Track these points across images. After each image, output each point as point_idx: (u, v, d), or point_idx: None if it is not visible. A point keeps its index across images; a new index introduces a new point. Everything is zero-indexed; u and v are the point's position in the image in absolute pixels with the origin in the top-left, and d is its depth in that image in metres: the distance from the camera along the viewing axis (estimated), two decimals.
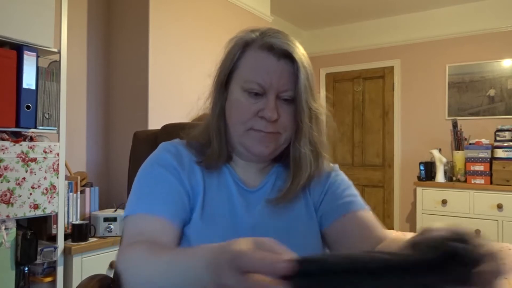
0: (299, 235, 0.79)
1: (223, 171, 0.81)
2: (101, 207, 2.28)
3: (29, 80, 1.74)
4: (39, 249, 1.76)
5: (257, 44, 0.75)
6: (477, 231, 3.30)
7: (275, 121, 0.74)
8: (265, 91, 0.74)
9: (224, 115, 0.79)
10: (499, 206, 3.22)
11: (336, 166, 0.89)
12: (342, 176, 0.88)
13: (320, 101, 0.79)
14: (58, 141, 1.86)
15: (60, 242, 1.86)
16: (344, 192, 0.83)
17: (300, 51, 0.76)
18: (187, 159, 0.80)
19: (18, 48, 1.72)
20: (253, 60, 0.75)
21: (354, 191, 0.85)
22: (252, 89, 0.73)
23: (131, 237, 0.69)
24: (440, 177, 3.59)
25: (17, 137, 1.72)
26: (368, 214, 0.81)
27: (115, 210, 2.18)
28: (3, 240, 1.63)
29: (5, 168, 1.64)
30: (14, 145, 1.68)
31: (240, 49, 0.76)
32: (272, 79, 0.73)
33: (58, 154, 1.84)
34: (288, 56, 0.74)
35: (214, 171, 0.80)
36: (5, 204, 1.64)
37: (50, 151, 1.81)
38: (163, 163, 0.77)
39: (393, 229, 4.07)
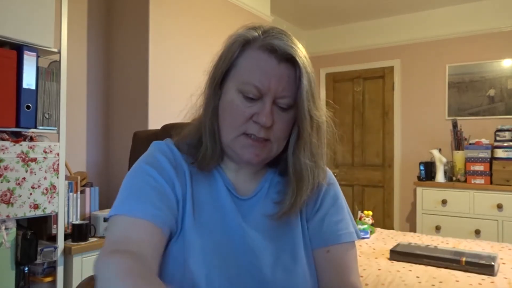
0: (291, 249, 0.76)
1: (214, 175, 0.77)
2: (101, 207, 2.28)
3: (29, 80, 1.74)
4: (39, 249, 1.76)
5: (258, 44, 0.71)
6: (477, 231, 3.31)
7: (268, 128, 0.70)
8: (262, 95, 0.70)
9: (218, 115, 0.74)
10: (499, 206, 3.22)
11: (329, 173, 0.84)
12: (334, 190, 0.83)
13: (322, 108, 0.75)
14: (58, 141, 1.86)
15: (60, 242, 1.86)
16: (333, 216, 0.79)
17: (303, 55, 0.71)
18: (179, 161, 0.76)
19: (18, 48, 1.72)
20: (252, 61, 0.71)
21: (342, 214, 0.81)
22: (248, 91, 0.70)
23: (115, 242, 0.64)
24: (440, 177, 3.59)
25: (17, 137, 1.72)
26: (348, 254, 0.78)
27: None
28: (3, 240, 1.63)
29: (5, 168, 1.64)
30: (14, 145, 1.68)
31: (240, 47, 0.72)
32: (271, 83, 0.69)
33: (58, 154, 1.84)
34: (290, 60, 0.70)
35: (205, 174, 0.76)
36: (5, 204, 1.64)
37: (50, 151, 1.81)
38: (156, 165, 0.73)
39: (393, 229, 4.07)
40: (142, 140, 1.20)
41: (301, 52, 0.71)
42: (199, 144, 0.76)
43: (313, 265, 0.77)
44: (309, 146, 0.73)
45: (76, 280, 1.87)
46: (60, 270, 1.84)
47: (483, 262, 1.71)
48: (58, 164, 1.83)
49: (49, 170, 1.80)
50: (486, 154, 3.34)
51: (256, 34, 0.72)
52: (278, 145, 0.73)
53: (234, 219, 0.74)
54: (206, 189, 0.76)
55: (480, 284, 1.59)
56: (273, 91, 0.70)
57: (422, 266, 1.81)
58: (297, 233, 0.77)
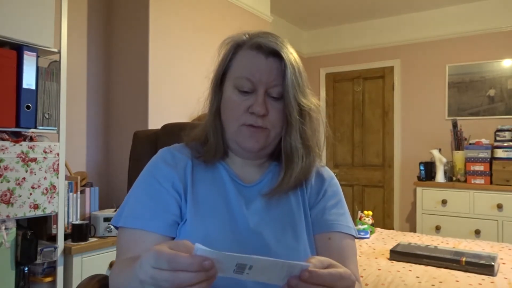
0: (292, 230, 0.80)
1: (217, 168, 0.84)
2: (101, 207, 2.28)
3: (29, 80, 1.74)
4: (39, 249, 1.76)
5: (247, 45, 0.80)
6: (477, 231, 3.30)
7: (264, 116, 0.77)
8: (255, 88, 0.77)
9: (220, 114, 0.83)
10: (499, 206, 3.22)
11: (333, 175, 0.93)
12: (337, 186, 0.90)
13: (312, 99, 0.82)
14: (58, 141, 1.86)
15: (60, 242, 1.86)
16: (335, 208, 0.85)
17: (289, 50, 0.79)
18: (181, 162, 0.83)
19: (18, 48, 1.72)
20: (244, 59, 0.79)
21: (344, 209, 0.87)
22: (243, 85, 0.77)
23: (123, 255, 0.75)
24: (440, 177, 3.59)
25: (17, 137, 1.72)
26: (348, 244, 0.83)
27: (115, 210, 2.18)
28: (3, 240, 1.63)
29: (5, 168, 1.64)
30: (14, 145, 1.68)
31: (232, 50, 0.81)
32: (261, 76, 0.76)
33: (58, 154, 1.84)
34: (276, 54, 0.77)
35: (208, 167, 0.83)
36: (5, 204, 1.64)
37: (50, 151, 1.81)
38: (158, 176, 0.80)
39: (393, 229, 4.07)
40: (142, 140, 1.20)
41: (287, 48, 0.79)
42: (206, 140, 0.84)
43: (314, 247, 0.82)
44: (298, 131, 0.79)
45: (76, 280, 1.87)
46: (60, 270, 1.84)
47: (483, 262, 1.72)
48: (58, 164, 1.83)
49: (49, 170, 1.80)
50: (486, 154, 3.34)
51: (245, 37, 0.82)
52: (275, 131, 0.79)
53: (237, 204, 0.80)
54: (209, 179, 0.82)
55: (480, 284, 1.59)
56: (264, 83, 0.77)
57: (422, 266, 1.81)
58: (299, 218, 0.82)
